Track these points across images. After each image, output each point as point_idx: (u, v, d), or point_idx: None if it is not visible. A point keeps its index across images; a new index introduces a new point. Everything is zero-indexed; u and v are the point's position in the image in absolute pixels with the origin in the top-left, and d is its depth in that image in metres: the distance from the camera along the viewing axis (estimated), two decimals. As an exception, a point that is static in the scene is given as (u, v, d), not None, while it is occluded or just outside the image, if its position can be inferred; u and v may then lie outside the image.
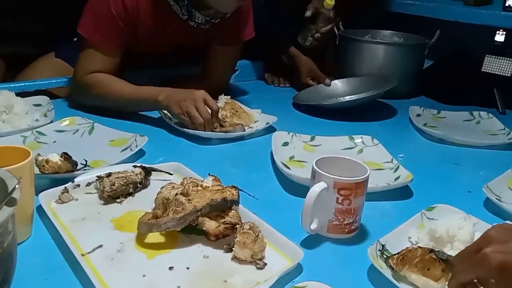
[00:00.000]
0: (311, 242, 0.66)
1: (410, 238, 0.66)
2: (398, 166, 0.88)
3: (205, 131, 1.03)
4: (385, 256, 0.60)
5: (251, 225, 0.62)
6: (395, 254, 0.59)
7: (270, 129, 1.11)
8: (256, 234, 0.61)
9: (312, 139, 1.03)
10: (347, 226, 0.66)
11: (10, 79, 1.34)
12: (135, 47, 1.19)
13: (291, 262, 0.59)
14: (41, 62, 1.37)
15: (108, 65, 1.14)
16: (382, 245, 0.62)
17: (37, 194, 0.68)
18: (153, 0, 1.11)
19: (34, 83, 1.25)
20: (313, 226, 0.65)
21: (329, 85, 1.47)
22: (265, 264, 0.59)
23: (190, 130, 1.05)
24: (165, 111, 1.12)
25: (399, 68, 1.47)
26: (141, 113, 1.18)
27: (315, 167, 0.67)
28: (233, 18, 1.22)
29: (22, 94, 1.13)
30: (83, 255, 0.58)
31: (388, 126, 1.25)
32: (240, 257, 0.60)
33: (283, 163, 0.88)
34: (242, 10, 1.24)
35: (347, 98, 1.26)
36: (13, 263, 0.48)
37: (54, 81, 1.27)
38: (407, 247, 0.60)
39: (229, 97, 1.20)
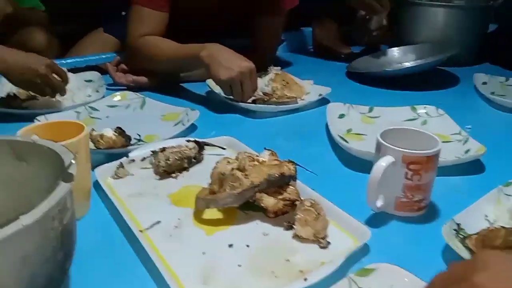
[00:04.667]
0: (376, 220, 0.62)
1: (486, 216, 0.60)
2: (468, 138, 0.81)
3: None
4: (461, 236, 0.55)
5: (312, 202, 0.58)
6: (473, 234, 0.54)
7: (323, 101, 1.06)
8: (318, 212, 0.57)
9: (371, 110, 0.97)
10: (417, 203, 0.61)
11: (61, 56, 1.36)
12: (176, 10, 1.15)
13: (357, 242, 0.55)
14: (90, 38, 1.37)
15: (157, 24, 1.11)
16: (457, 224, 0.57)
17: (92, 169, 0.67)
18: None
19: (85, 59, 1.25)
20: (379, 203, 0.61)
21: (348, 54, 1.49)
22: (329, 243, 0.56)
23: (242, 104, 1.02)
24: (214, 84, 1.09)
25: (461, 33, 1.36)
26: (189, 88, 1.16)
27: (380, 139, 0.62)
28: None
29: (73, 70, 1.13)
30: (141, 231, 0.57)
31: (450, 95, 1.17)
32: (301, 235, 0.56)
33: (340, 136, 0.83)
34: None
35: (407, 64, 1.18)
36: (74, 240, 0.47)
37: (104, 56, 1.27)
38: (488, 227, 0.54)
39: (279, 68, 1.15)
